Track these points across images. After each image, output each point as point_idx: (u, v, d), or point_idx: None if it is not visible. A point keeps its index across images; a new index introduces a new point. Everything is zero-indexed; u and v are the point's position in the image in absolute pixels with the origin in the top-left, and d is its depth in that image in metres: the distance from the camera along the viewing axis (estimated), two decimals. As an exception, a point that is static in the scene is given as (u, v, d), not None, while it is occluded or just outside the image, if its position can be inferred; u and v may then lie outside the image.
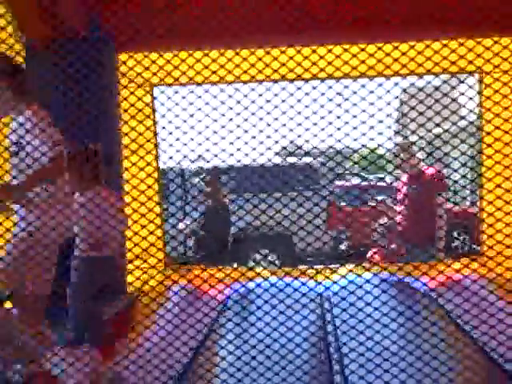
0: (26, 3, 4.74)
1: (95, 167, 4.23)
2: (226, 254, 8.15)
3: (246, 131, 3.74)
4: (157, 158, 5.58)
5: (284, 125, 3.83)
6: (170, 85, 4.56)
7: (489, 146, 3.89)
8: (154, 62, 3.98)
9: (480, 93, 5.63)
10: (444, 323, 4.36)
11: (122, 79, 4.15)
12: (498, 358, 3.81)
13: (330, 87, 3.92)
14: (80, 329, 4.21)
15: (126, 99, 3.98)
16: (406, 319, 4.06)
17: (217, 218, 7.98)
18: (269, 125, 3.79)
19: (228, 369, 3.69)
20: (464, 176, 3.97)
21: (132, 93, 3.95)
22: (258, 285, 4.10)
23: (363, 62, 3.92)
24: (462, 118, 3.96)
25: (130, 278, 5.47)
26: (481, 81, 6.13)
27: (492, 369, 3.84)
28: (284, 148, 5.31)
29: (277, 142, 3.88)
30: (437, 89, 4.12)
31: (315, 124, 3.79)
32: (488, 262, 3.96)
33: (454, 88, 3.95)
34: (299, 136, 3.87)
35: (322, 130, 3.79)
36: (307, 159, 11.08)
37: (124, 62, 4.15)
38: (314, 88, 3.91)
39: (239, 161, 3.94)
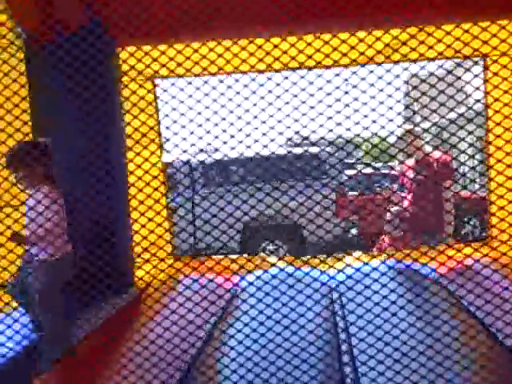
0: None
1: (46, 163, 4.16)
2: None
3: (248, 123, 3.71)
4: (161, 149, 5.55)
5: (288, 115, 3.79)
6: (169, 76, 4.53)
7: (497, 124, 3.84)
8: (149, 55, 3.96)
9: (485, 80, 5.57)
10: (454, 310, 4.31)
11: (122, 71, 4.14)
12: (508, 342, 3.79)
13: (325, 80, 3.86)
14: (55, 343, 4.06)
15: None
16: (415, 307, 4.02)
17: None
18: (271, 116, 3.75)
19: (236, 359, 3.67)
20: (473, 157, 3.93)
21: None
22: (258, 277, 4.07)
23: (370, 46, 3.86)
24: (465, 104, 3.92)
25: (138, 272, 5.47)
26: (486, 67, 6.06)
27: (502, 354, 3.81)
28: (289, 139, 5.27)
29: (281, 133, 3.84)
30: (441, 79, 4.06)
31: (321, 114, 3.75)
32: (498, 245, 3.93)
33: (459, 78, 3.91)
34: (304, 126, 3.84)
35: (330, 118, 3.75)
36: (313, 149, 11.03)
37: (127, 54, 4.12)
38: (320, 76, 3.87)
39: (242, 153, 3.91)
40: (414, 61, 4.31)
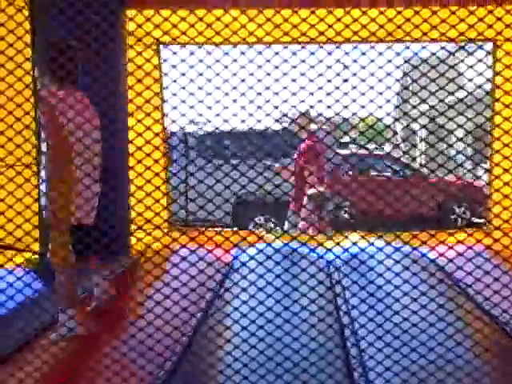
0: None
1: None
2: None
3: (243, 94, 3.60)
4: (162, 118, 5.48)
5: (285, 87, 3.69)
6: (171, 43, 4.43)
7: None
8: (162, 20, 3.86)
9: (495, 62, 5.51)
10: (456, 295, 4.31)
11: (129, 36, 4.04)
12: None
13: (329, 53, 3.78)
14: None
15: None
16: (417, 289, 3.99)
17: None
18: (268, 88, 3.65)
19: (234, 335, 3.64)
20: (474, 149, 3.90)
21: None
22: (260, 250, 4.01)
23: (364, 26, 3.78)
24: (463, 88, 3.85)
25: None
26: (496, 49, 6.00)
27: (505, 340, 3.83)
28: (285, 115, 5.18)
29: (276, 107, 3.75)
30: (442, 61, 3.99)
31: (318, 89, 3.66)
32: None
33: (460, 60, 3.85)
34: (302, 101, 3.76)
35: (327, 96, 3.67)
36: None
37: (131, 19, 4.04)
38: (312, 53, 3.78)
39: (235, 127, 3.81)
40: (416, 40, 4.24)
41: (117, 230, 4.73)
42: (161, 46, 6.53)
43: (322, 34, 3.78)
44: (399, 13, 3.85)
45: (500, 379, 3.53)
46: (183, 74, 3.61)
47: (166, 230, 4.81)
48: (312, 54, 3.80)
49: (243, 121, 3.68)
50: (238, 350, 3.48)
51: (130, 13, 4.93)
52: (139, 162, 3.90)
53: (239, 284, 3.77)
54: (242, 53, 3.68)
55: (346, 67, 3.68)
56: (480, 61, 3.99)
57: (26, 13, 4.64)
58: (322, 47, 3.82)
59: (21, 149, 3.96)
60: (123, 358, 3.49)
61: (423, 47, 4.19)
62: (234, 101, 3.64)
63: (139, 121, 3.86)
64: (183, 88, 3.63)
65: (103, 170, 4.44)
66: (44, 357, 3.60)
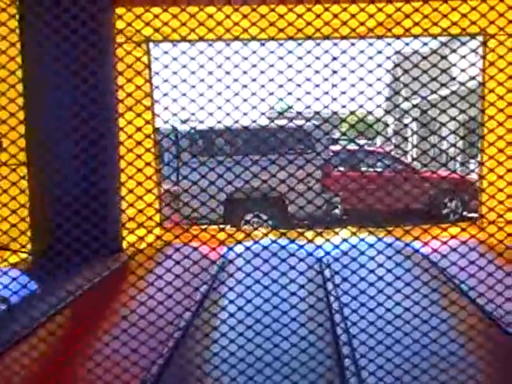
0: None
1: None
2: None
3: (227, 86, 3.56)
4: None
5: (272, 80, 3.66)
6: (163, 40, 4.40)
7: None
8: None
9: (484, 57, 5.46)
10: (449, 291, 4.29)
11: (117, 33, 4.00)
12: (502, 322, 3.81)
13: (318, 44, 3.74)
14: None
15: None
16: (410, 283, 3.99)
17: None
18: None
19: (221, 336, 3.61)
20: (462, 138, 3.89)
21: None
22: (248, 248, 3.98)
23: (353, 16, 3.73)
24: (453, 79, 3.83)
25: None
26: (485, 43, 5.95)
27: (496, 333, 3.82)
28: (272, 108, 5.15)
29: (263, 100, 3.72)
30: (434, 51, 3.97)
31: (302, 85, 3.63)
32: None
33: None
34: (289, 93, 3.73)
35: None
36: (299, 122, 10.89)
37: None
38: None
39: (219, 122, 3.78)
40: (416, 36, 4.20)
41: (107, 229, 4.71)
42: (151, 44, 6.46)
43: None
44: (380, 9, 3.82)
45: (495, 376, 3.52)
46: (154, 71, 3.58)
47: (157, 232, 4.77)
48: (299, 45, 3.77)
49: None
50: (226, 350, 3.46)
51: (119, 11, 4.86)
52: (130, 163, 3.89)
53: (228, 283, 3.75)
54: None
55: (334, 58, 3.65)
56: (464, 44, 3.97)
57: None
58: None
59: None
60: (107, 360, 3.45)
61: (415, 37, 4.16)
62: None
63: (130, 122, 3.84)
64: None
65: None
66: (27, 358, 3.58)
